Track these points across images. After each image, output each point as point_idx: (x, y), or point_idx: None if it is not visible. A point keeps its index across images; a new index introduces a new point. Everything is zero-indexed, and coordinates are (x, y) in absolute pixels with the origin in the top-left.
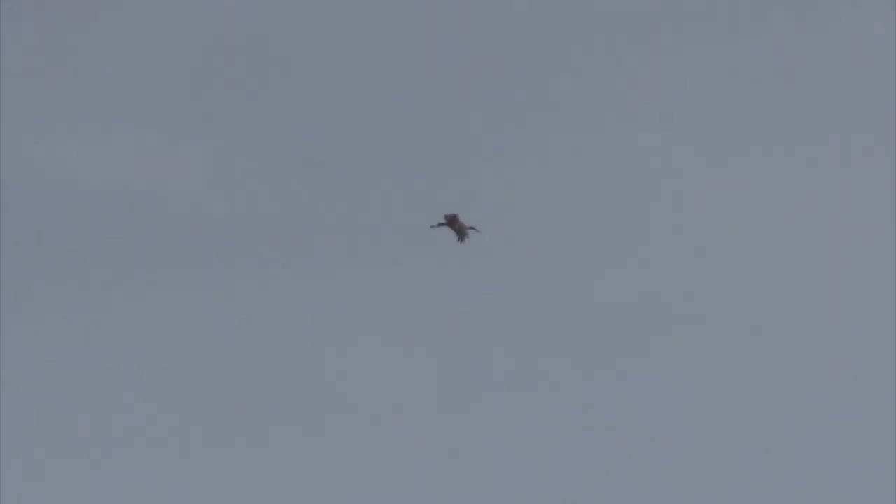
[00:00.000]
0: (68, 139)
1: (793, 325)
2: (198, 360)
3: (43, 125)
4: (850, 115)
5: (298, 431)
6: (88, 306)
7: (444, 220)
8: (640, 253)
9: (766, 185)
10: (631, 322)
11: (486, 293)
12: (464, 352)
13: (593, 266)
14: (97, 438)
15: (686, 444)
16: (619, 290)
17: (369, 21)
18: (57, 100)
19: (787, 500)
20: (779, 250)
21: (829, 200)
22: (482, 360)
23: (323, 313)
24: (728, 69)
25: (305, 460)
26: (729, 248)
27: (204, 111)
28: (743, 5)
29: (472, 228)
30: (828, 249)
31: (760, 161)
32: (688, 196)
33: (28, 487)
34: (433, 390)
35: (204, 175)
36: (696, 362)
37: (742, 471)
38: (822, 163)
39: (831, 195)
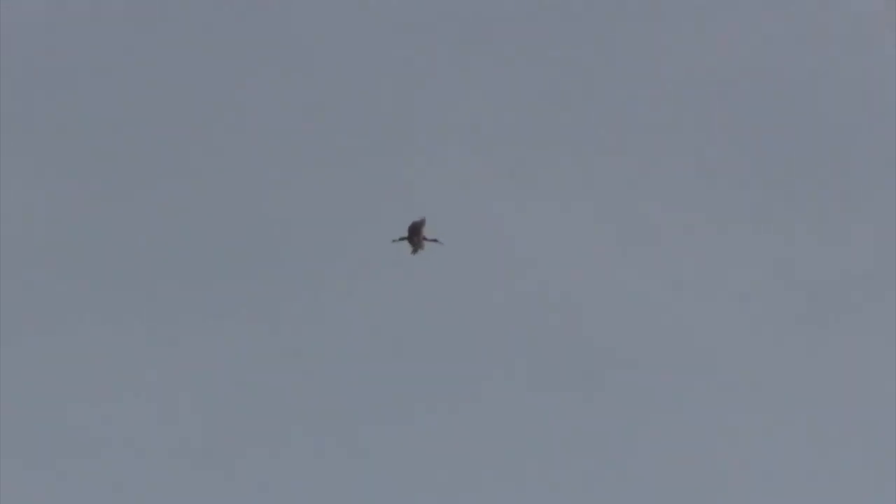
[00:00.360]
0: None
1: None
2: None
3: None
4: (636, 132)
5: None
6: None
7: (405, 234)
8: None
9: (541, 207)
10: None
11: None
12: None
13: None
14: None
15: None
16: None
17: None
18: None
19: None
20: (561, 271)
21: (613, 221)
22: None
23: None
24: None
25: None
26: (510, 270)
27: None
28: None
29: (435, 241)
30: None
31: (540, 184)
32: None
33: None
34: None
35: None
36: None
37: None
38: (607, 181)
39: (614, 215)
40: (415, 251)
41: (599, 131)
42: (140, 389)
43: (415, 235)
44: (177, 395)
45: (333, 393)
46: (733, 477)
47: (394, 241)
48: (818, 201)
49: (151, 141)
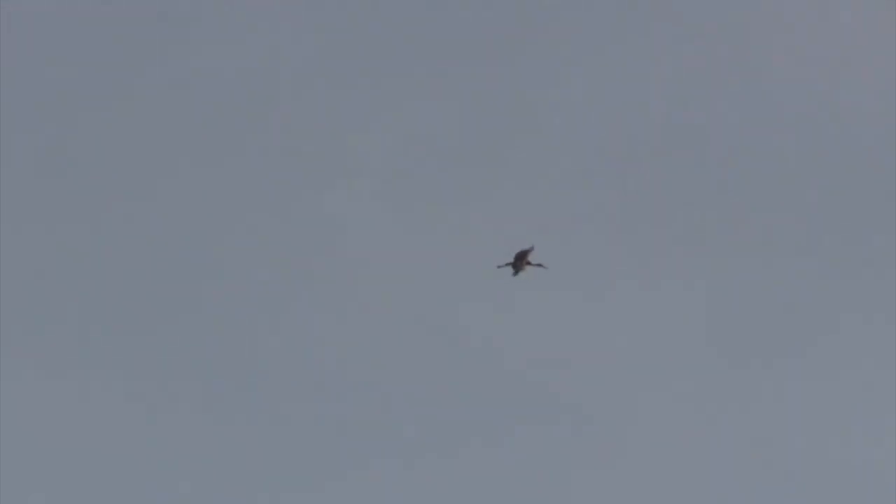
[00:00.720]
0: None
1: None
2: None
3: None
4: (532, 166)
5: None
6: None
7: (510, 260)
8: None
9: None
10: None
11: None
12: None
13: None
14: None
15: None
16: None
17: None
18: None
19: None
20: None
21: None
22: None
23: None
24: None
25: None
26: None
27: None
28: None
29: (540, 265)
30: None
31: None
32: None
33: None
34: None
35: None
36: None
37: None
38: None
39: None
40: (516, 273)
41: (512, 168)
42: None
43: (519, 261)
44: None
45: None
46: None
47: (498, 266)
48: (751, 242)
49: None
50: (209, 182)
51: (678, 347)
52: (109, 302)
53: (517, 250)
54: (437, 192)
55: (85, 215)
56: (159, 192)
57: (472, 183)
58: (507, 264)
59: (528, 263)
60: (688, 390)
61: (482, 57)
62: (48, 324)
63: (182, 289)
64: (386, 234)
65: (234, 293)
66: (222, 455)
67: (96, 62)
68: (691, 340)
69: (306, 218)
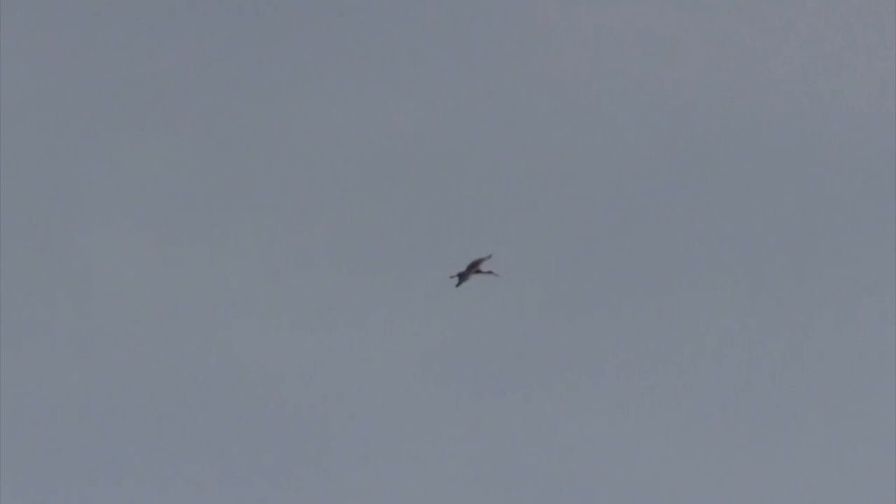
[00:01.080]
0: None
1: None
2: None
3: None
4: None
5: None
6: None
7: (463, 270)
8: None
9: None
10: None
11: None
12: None
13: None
14: None
15: None
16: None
17: None
18: None
19: None
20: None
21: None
22: None
23: None
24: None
25: None
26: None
27: None
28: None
29: (490, 273)
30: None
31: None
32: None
33: None
34: None
35: None
36: None
37: None
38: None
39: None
40: (459, 283)
41: (274, 200)
42: None
43: (468, 270)
44: None
45: None
46: None
47: (451, 276)
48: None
49: None
50: None
51: (417, 376)
52: None
53: (472, 259)
54: (191, 224)
55: None
56: None
57: (221, 213)
58: (458, 274)
59: (479, 272)
60: (424, 414)
61: (221, 90)
62: None
63: None
64: (142, 266)
65: None
66: None
67: None
68: (432, 370)
69: (59, 254)
